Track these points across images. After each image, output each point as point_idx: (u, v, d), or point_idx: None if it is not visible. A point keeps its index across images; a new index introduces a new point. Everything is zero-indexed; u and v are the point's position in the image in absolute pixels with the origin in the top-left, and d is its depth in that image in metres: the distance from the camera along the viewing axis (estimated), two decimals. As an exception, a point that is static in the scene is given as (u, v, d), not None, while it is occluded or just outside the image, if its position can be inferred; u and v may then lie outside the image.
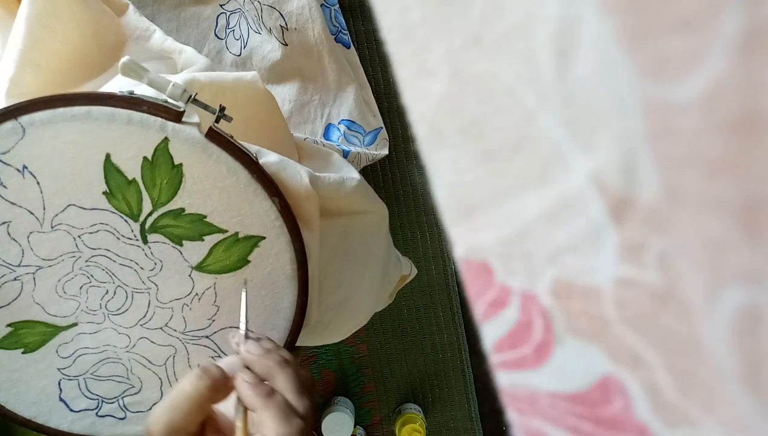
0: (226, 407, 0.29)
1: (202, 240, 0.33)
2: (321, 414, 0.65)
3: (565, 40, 0.11)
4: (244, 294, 0.33)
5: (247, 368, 0.29)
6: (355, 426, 0.67)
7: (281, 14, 0.54)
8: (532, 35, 0.12)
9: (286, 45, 0.55)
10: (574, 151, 0.12)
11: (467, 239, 0.16)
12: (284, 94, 0.57)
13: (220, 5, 0.56)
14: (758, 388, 0.10)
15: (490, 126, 0.14)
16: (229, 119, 0.32)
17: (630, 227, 0.12)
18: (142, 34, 0.45)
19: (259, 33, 0.56)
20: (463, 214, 0.15)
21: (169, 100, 0.31)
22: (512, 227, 0.14)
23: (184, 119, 0.31)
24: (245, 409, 0.28)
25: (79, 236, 0.31)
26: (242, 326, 0.31)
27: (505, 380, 0.16)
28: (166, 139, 0.30)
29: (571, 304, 0.14)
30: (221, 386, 0.27)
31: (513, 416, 0.16)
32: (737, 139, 0.09)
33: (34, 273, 0.31)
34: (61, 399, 0.33)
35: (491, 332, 0.16)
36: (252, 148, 0.34)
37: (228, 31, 0.56)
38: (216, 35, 0.56)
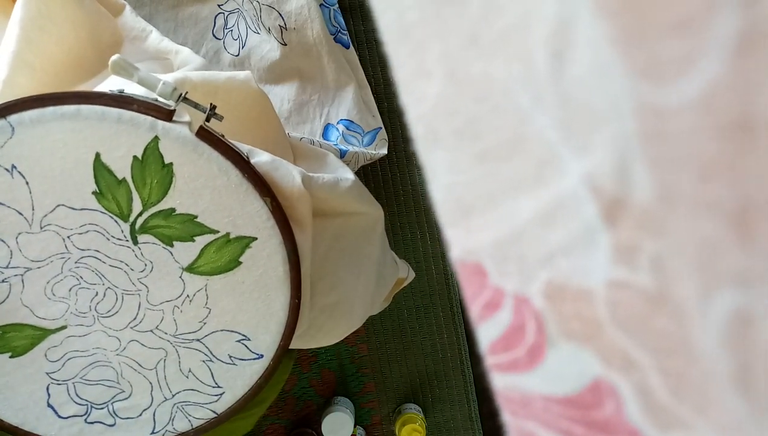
0: None
1: (193, 241, 0.32)
2: (321, 414, 0.64)
3: (560, 41, 0.11)
4: None
5: None
6: (355, 426, 0.67)
7: (280, 14, 0.53)
8: (528, 36, 0.12)
9: (285, 45, 0.55)
10: (568, 153, 0.12)
11: (463, 240, 0.16)
12: (283, 94, 0.57)
13: (218, 5, 0.56)
14: (750, 390, 0.10)
15: (485, 127, 0.14)
16: (220, 118, 0.32)
17: (623, 228, 0.12)
18: (139, 34, 0.45)
19: (258, 33, 0.55)
20: (460, 215, 0.15)
21: (160, 98, 0.30)
22: (507, 229, 0.14)
23: (174, 118, 0.30)
24: None
25: (68, 237, 0.31)
26: None
27: (499, 382, 0.16)
28: (156, 138, 0.30)
29: (563, 306, 0.14)
30: None
31: (507, 418, 0.16)
32: (731, 142, 0.09)
33: (22, 275, 0.31)
34: (49, 405, 0.33)
35: (486, 334, 0.16)
36: (244, 147, 0.33)
37: (226, 31, 0.56)
38: (214, 35, 0.56)
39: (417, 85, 0.15)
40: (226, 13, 0.56)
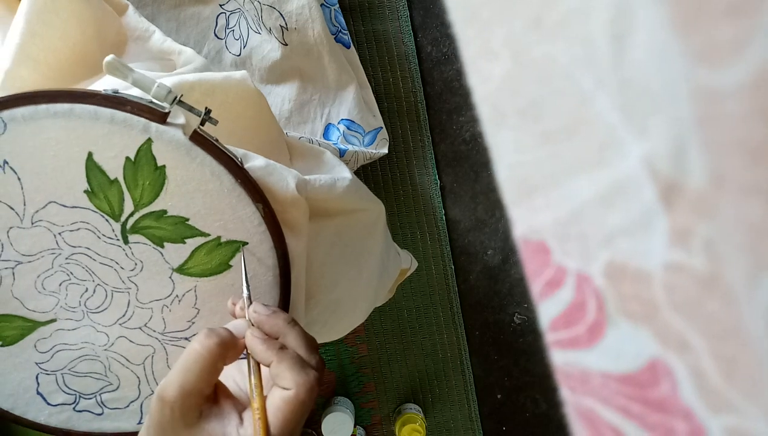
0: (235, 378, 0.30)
1: (184, 243, 0.32)
2: (321, 414, 0.65)
3: (621, 25, 0.11)
4: (242, 260, 0.33)
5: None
6: (355, 426, 0.67)
7: (281, 14, 0.53)
8: (589, 19, 0.12)
9: (286, 45, 0.55)
10: (627, 136, 0.12)
11: (526, 218, 0.16)
12: (284, 94, 0.57)
13: (220, 5, 0.56)
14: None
15: (548, 108, 0.14)
16: (215, 122, 0.32)
17: (679, 212, 0.12)
18: (142, 34, 0.45)
19: (259, 33, 0.56)
20: (523, 194, 0.16)
21: (155, 100, 0.30)
22: (568, 209, 0.15)
23: (169, 120, 0.30)
24: (258, 365, 0.28)
25: (59, 234, 0.31)
26: (245, 290, 0.31)
27: (559, 359, 0.17)
28: (149, 140, 0.30)
29: (623, 286, 0.14)
30: (230, 344, 0.28)
31: (566, 394, 0.17)
32: None
33: (13, 268, 0.31)
34: (38, 393, 0.34)
35: (547, 311, 0.17)
36: (238, 151, 0.33)
37: (228, 31, 0.56)
38: (215, 35, 0.56)
39: (483, 65, 0.15)
40: (228, 13, 0.56)
